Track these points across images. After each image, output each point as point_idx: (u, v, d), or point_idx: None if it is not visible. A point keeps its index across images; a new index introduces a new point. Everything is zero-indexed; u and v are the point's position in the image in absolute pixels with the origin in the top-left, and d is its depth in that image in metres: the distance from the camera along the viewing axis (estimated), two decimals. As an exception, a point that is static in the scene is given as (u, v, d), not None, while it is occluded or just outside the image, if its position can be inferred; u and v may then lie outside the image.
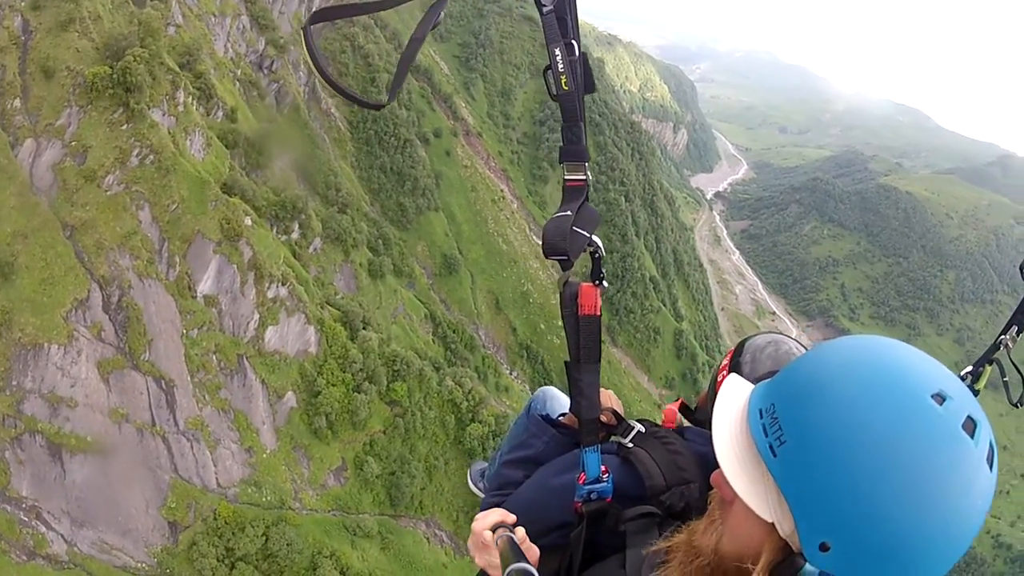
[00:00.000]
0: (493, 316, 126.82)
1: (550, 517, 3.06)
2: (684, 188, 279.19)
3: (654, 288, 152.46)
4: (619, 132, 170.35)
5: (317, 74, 2.43)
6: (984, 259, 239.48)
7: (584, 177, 2.84)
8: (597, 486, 2.91)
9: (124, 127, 70.16)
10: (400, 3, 2.59)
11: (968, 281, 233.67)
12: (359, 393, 77.92)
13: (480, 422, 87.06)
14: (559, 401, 4.41)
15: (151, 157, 69.50)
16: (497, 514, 2.86)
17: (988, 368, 3.57)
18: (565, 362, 2.98)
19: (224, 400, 70.73)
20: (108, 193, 67.99)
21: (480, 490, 5.19)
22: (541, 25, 2.68)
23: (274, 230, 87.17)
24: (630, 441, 3.10)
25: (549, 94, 2.67)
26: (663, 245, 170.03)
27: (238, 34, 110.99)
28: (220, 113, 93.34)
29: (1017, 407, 3.84)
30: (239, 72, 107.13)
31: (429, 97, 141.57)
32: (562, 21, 2.65)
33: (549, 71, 2.69)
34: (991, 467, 1.77)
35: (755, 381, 2.50)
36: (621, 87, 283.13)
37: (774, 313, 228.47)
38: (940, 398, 1.77)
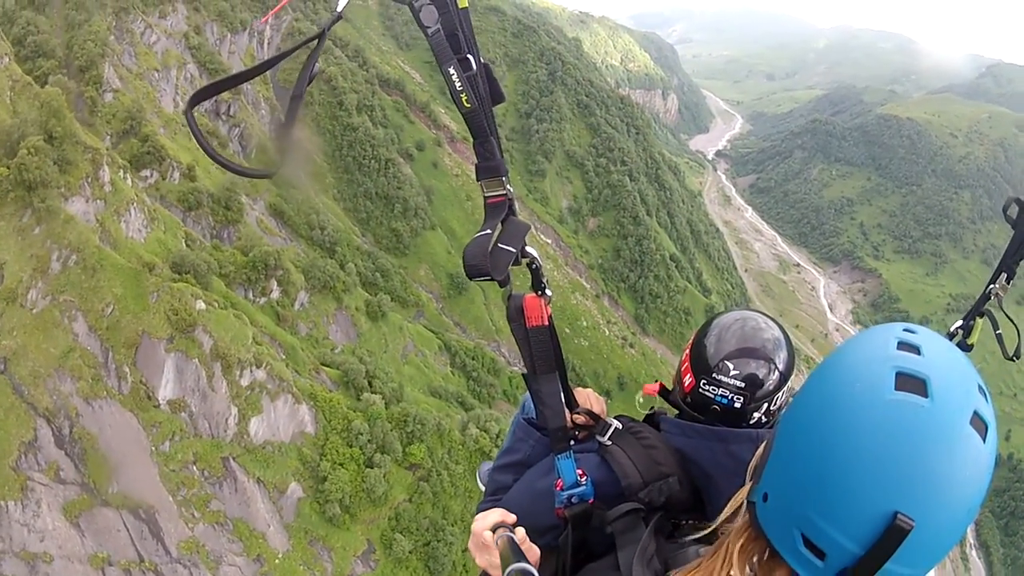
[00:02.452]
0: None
1: (539, 520, 3.07)
2: (684, 153, 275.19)
3: (676, 267, 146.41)
4: (610, 110, 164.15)
5: (205, 153, 2.25)
6: (996, 173, 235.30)
7: (504, 192, 2.66)
8: (576, 490, 2.97)
9: (36, 231, 61.72)
10: (271, 67, 2.44)
11: (984, 198, 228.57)
12: (372, 468, 68.61)
13: (514, 463, 78.27)
14: None
15: (73, 258, 60.70)
16: (497, 514, 2.93)
17: (979, 321, 3.86)
18: (522, 374, 2.99)
19: (217, 512, 61.31)
20: (34, 311, 59.19)
21: None
22: (430, 46, 2.52)
23: (249, 294, 79.84)
24: (608, 439, 3.13)
25: (460, 112, 2.50)
26: (677, 219, 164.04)
27: (186, 84, 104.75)
28: (176, 174, 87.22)
29: (1014, 360, 3.92)
30: None
31: (405, 110, 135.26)
32: (453, 37, 2.47)
33: (452, 93, 2.51)
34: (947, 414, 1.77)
35: (720, 362, 3.04)
36: (602, 63, 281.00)
37: (798, 265, 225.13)
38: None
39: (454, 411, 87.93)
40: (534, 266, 2.84)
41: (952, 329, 4.04)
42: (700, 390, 3.13)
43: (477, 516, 2.99)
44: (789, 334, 3.22)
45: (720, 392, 3.08)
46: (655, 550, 2.60)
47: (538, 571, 2.46)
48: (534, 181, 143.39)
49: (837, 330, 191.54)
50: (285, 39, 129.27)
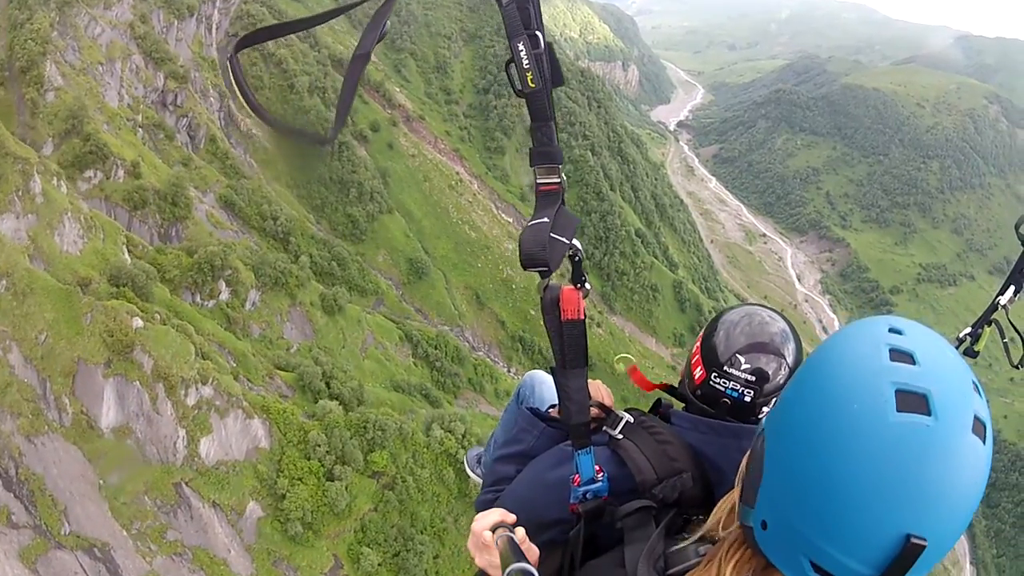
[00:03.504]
0: (476, 313, 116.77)
1: (546, 513, 3.07)
2: (646, 125, 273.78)
3: (642, 242, 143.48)
4: (570, 83, 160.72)
5: (250, 110, 2.23)
6: (964, 143, 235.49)
7: (559, 180, 2.69)
8: (592, 486, 2.92)
9: (-40, 257, 57.84)
10: (334, 16, 2.46)
11: (953, 168, 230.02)
12: (333, 480, 64.40)
13: (482, 462, 74.82)
14: (547, 386, 4.37)
15: (3, 283, 56.70)
16: (497, 514, 2.88)
17: (987, 329, 3.85)
18: (550, 368, 2.98)
19: (174, 543, 57.12)
20: (-34, 345, 55.61)
21: (478, 475, 5.08)
22: (502, 18, 2.46)
23: (196, 298, 75.84)
24: (619, 433, 3.08)
25: (514, 91, 2.48)
26: (640, 192, 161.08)
27: (132, 76, 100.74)
28: (120, 172, 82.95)
29: (1018, 368, 4.02)
30: (140, 118, 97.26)
31: (358, 90, 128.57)
32: (524, 11, 2.43)
33: (511, 67, 2.49)
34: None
35: (731, 356, 3.06)
36: (561, 35, 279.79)
37: (764, 235, 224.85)
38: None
39: (418, 404, 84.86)
40: (577, 258, 2.84)
41: (960, 335, 3.88)
42: (711, 382, 3.11)
43: (477, 515, 2.90)
44: (795, 326, 3.21)
45: (731, 385, 3.07)
46: (663, 550, 2.54)
47: (538, 570, 2.45)
48: (493, 158, 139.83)
49: (806, 300, 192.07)
50: (234, 23, 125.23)
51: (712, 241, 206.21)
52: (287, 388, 72.82)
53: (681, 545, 2.51)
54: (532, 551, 2.72)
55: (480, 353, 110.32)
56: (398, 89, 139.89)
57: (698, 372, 3.17)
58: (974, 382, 1.82)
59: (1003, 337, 3.89)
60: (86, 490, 55.60)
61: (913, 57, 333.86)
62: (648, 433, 3.02)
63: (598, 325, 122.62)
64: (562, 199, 2.68)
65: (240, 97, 2.25)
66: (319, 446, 64.26)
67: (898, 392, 1.72)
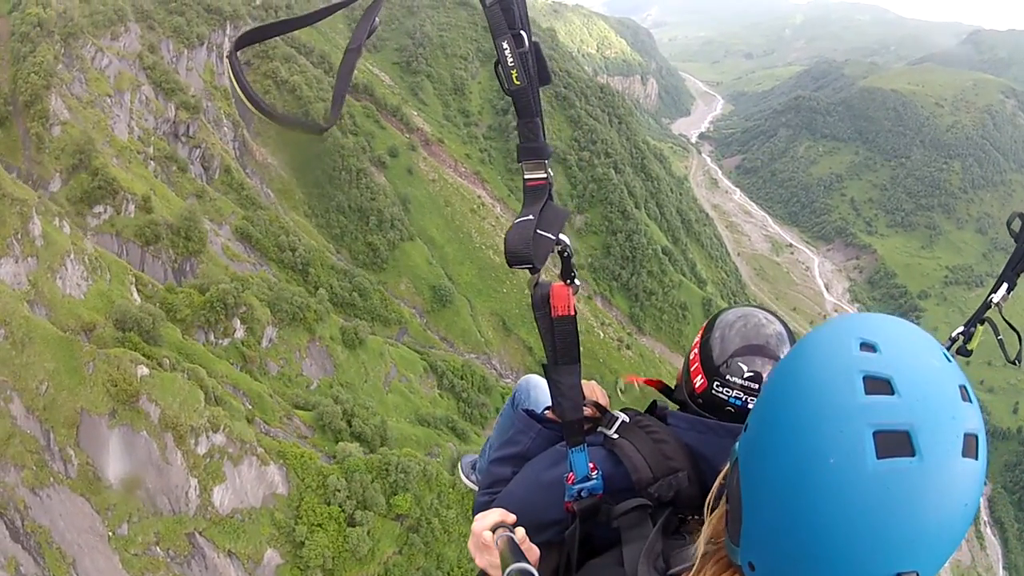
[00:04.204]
0: (503, 340, 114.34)
1: (543, 514, 3.09)
2: (667, 138, 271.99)
3: (669, 259, 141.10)
4: (590, 100, 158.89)
5: (248, 104, 2.30)
6: (985, 140, 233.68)
7: (545, 175, 2.70)
8: (587, 484, 2.93)
9: (-46, 309, 55.94)
10: (326, 15, 2.51)
11: (975, 167, 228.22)
12: (354, 526, 61.99)
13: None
14: (542, 390, 4.44)
15: (1, 332, 54.44)
16: (497, 514, 2.89)
17: (980, 328, 3.98)
18: (542, 364, 2.93)
19: None
20: (-35, 399, 53.72)
21: (472, 482, 5.15)
22: (486, 19, 2.53)
23: (210, 337, 73.64)
24: (615, 432, 3.10)
25: (502, 89, 2.55)
26: (666, 209, 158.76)
27: (142, 107, 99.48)
28: (131, 207, 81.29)
29: (1015, 364, 4.06)
30: (151, 150, 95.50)
31: (375, 115, 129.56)
32: (508, 12, 2.48)
33: (499, 66, 2.55)
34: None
35: (728, 359, 3.04)
36: (579, 51, 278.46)
37: (791, 245, 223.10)
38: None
39: (445, 438, 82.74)
40: (566, 254, 2.85)
41: (953, 335, 4.04)
42: (713, 392, 3.10)
43: (477, 516, 2.93)
44: (789, 325, 3.20)
45: (734, 394, 3.07)
46: (661, 549, 2.57)
47: (538, 570, 2.45)
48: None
49: (835, 310, 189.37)
50: (246, 50, 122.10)
51: (739, 254, 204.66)
52: (306, 428, 70.69)
53: (684, 545, 2.54)
54: (532, 551, 2.75)
55: (508, 380, 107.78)
56: (416, 112, 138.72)
57: (699, 381, 3.13)
58: (962, 387, 1.71)
59: (997, 334, 3.90)
60: (95, 542, 53.42)
61: (928, 56, 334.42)
62: (644, 432, 3.02)
63: (627, 347, 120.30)
64: (549, 194, 2.68)
65: (239, 91, 2.32)
66: (339, 491, 61.73)
67: (876, 435, 1.62)
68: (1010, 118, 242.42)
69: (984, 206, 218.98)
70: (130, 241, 79.82)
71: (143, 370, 55.05)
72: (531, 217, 2.60)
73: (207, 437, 56.73)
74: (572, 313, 2.71)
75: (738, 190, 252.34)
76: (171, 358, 61.43)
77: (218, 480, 56.25)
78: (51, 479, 53.10)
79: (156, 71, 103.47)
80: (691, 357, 3.24)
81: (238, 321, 76.60)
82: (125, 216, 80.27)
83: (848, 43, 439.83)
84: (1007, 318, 3.94)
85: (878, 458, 1.60)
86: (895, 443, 1.61)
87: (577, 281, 2.83)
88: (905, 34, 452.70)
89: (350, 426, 72.19)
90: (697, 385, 3.14)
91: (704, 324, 3.25)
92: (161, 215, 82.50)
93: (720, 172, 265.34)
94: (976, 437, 1.67)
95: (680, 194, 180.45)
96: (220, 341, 74.75)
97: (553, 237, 2.63)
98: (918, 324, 1.84)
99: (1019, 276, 4.00)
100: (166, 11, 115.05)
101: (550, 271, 2.70)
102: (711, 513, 2.27)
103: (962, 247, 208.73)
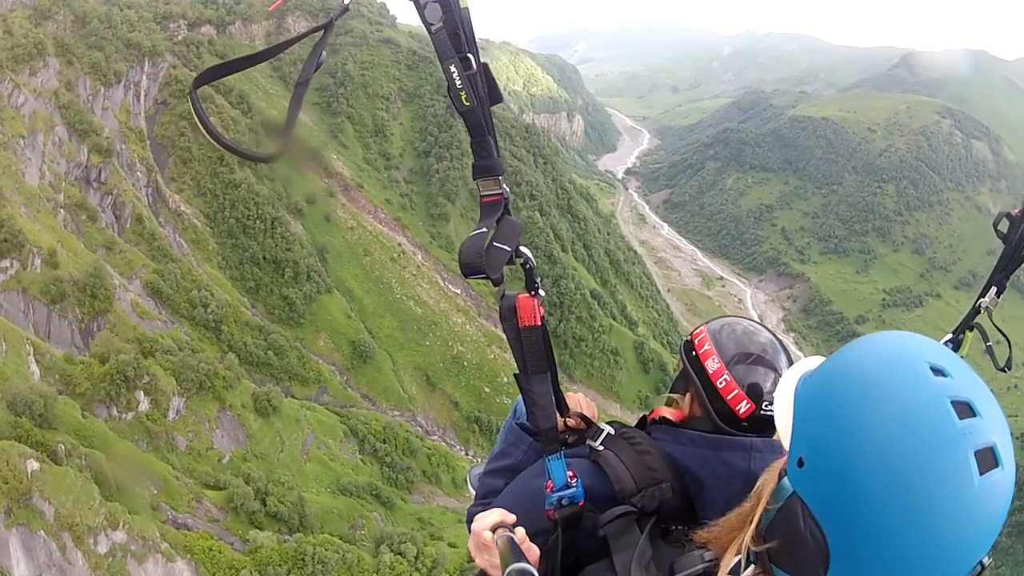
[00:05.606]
0: (428, 395, 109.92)
1: (530, 523, 3.03)
2: (594, 175, 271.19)
3: (599, 303, 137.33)
4: (515, 140, 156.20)
5: (209, 138, 2.47)
6: (920, 162, 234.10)
7: (500, 191, 2.81)
8: (566, 492, 2.98)
9: None
10: (280, 51, 2.72)
11: (910, 189, 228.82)
12: (271, 622, 57.19)
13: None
14: None
15: None
16: (497, 514, 2.94)
17: (969, 334, 3.92)
18: (514, 374, 3.06)
19: None
20: None
21: None
22: (432, 45, 2.64)
23: (112, 412, 68.61)
24: (600, 444, 3.16)
25: (456, 109, 2.65)
26: (594, 250, 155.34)
27: (55, 150, 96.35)
28: (37, 262, 77.27)
29: (1005, 371, 4.12)
30: (61, 197, 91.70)
31: (292, 162, 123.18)
32: (455, 36, 2.61)
33: (450, 88, 2.67)
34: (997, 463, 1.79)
35: (726, 363, 3.08)
36: (505, 89, 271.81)
37: (722, 278, 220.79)
38: (940, 373, 1.84)
39: (369, 507, 79.03)
40: (528, 266, 2.92)
41: (942, 342, 3.79)
42: (764, 412, 3.07)
43: (476, 516, 2.98)
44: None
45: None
46: (652, 555, 2.65)
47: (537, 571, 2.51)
48: (437, 226, 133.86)
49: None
50: (162, 88, 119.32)
51: (669, 290, 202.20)
52: (218, 511, 66.19)
53: (686, 547, 2.58)
54: (532, 551, 2.77)
55: (435, 438, 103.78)
56: (335, 156, 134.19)
57: (744, 406, 3.06)
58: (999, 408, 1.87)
59: (986, 341, 3.87)
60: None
61: (859, 81, 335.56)
62: (628, 443, 3.07)
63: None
64: (506, 208, 2.76)
65: (200, 125, 2.45)
66: (252, 587, 56.95)
67: (976, 454, 1.75)
68: (946, 137, 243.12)
69: (920, 227, 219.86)
70: (36, 299, 76.05)
71: (33, 464, 50.43)
72: (484, 229, 2.68)
73: (106, 535, 52.18)
74: (538, 323, 2.84)
75: (666, 225, 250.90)
76: (67, 444, 56.80)
77: (122, 581, 51.32)
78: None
79: (71, 111, 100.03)
80: (725, 386, 3.12)
81: (141, 393, 71.61)
82: (31, 271, 76.43)
83: (777, 73, 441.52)
84: (996, 323, 3.87)
85: (981, 474, 1.73)
86: (987, 459, 1.74)
87: (542, 292, 2.88)
88: (835, 61, 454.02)
89: (264, 505, 67.98)
90: (743, 411, 3.06)
91: (719, 347, 3.16)
92: (67, 271, 78.57)
93: (647, 207, 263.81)
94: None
95: (608, 233, 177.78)
96: (124, 415, 70.02)
97: (509, 249, 2.71)
98: None
99: (1008, 278, 3.93)
100: (86, 45, 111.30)
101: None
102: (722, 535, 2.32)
103: (899, 269, 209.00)
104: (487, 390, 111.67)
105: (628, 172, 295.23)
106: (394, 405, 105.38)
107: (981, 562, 1.81)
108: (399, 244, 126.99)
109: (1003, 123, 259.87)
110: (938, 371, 1.82)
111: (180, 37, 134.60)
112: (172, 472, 66.23)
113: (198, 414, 76.34)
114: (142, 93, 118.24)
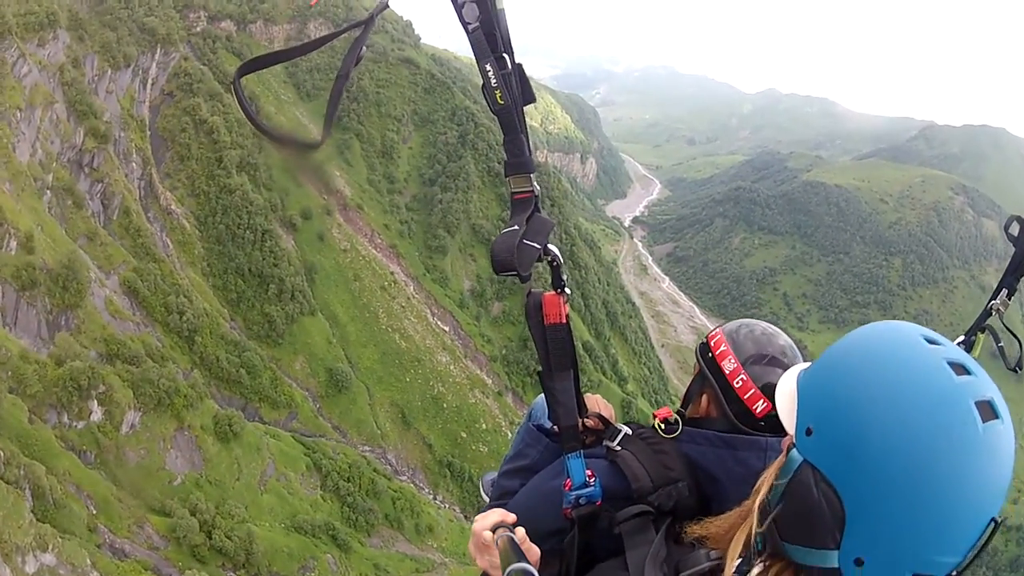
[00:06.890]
0: (401, 433, 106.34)
1: (545, 522, 3.11)
2: (601, 220, 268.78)
3: (591, 357, 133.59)
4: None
5: (252, 125, 2.64)
6: (928, 238, 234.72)
7: (531, 188, 2.82)
8: (584, 491, 2.98)
9: None
10: (323, 44, 2.81)
11: (916, 264, 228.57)
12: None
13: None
14: None
15: None
16: (497, 514, 2.95)
17: (981, 336, 3.97)
18: (537, 372, 3.05)
19: None
20: None
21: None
22: (469, 44, 2.74)
23: (63, 418, 65.29)
24: (617, 444, 3.13)
25: (490, 109, 2.70)
26: (591, 301, 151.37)
27: (51, 128, 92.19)
28: (12, 243, 73.99)
29: (1016, 371, 4.04)
30: (50, 178, 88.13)
31: (294, 171, 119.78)
32: (491, 36, 2.68)
33: (484, 88, 2.73)
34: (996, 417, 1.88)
35: (743, 364, 3.12)
36: None
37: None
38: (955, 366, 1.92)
39: (323, 548, 75.75)
40: (555, 264, 2.93)
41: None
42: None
43: (478, 516, 2.99)
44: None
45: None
46: (666, 555, 2.65)
47: (538, 572, 2.50)
48: (434, 258, 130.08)
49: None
50: (171, 79, 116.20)
51: (663, 345, 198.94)
52: (159, 539, 62.83)
53: (691, 547, 2.57)
54: (532, 551, 2.79)
55: (404, 478, 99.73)
56: (338, 173, 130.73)
57: (760, 405, 3.08)
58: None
59: (998, 342, 3.89)
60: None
61: (876, 151, 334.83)
62: (645, 443, 3.06)
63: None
64: (536, 206, 2.78)
65: (242, 112, 2.62)
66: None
67: (977, 404, 1.85)
68: (957, 214, 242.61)
69: (923, 303, 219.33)
70: (6, 282, 72.56)
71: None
72: (516, 227, 2.69)
73: (35, 557, 48.63)
74: (564, 321, 2.88)
75: (667, 278, 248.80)
76: (7, 451, 53.44)
77: (50, 606, 47.71)
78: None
79: (74, 89, 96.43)
80: (741, 386, 3.15)
81: (95, 403, 68.34)
82: (6, 252, 73.13)
83: (794, 135, 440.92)
84: (1007, 324, 3.90)
85: (983, 422, 1.83)
86: (987, 410, 1.84)
87: (568, 290, 2.91)
88: (853, 128, 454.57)
89: (210, 538, 64.69)
90: (759, 410, 3.09)
91: (735, 344, 3.20)
92: (42, 257, 75.16)
93: (651, 259, 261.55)
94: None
95: (608, 283, 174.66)
96: (74, 423, 67.10)
97: (539, 246, 2.71)
98: None
99: (1019, 280, 3.99)
100: (100, 23, 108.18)
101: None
102: (725, 522, 2.37)
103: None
104: (464, 435, 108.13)
105: (635, 220, 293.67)
106: (365, 440, 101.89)
107: (995, 519, 1.85)
108: (392, 273, 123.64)
109: (1017, 202, 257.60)
110: (932, 341, 1.96)
111: (198, 29, 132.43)
112: (115, 493, 63.00)
113: (153, 431, 73.11)
114: (149, 81, 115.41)
